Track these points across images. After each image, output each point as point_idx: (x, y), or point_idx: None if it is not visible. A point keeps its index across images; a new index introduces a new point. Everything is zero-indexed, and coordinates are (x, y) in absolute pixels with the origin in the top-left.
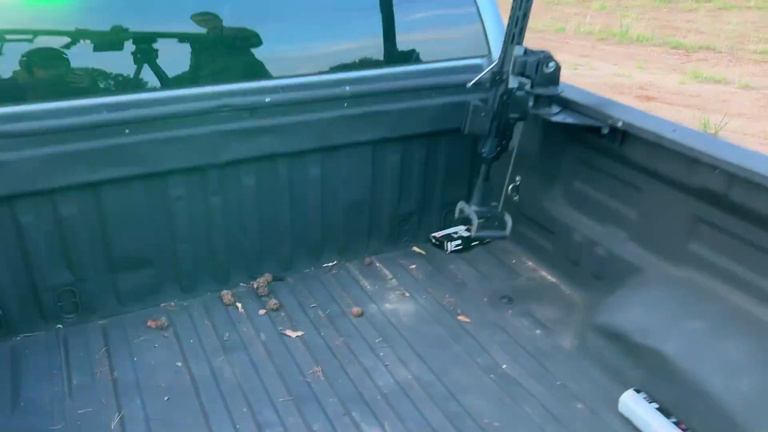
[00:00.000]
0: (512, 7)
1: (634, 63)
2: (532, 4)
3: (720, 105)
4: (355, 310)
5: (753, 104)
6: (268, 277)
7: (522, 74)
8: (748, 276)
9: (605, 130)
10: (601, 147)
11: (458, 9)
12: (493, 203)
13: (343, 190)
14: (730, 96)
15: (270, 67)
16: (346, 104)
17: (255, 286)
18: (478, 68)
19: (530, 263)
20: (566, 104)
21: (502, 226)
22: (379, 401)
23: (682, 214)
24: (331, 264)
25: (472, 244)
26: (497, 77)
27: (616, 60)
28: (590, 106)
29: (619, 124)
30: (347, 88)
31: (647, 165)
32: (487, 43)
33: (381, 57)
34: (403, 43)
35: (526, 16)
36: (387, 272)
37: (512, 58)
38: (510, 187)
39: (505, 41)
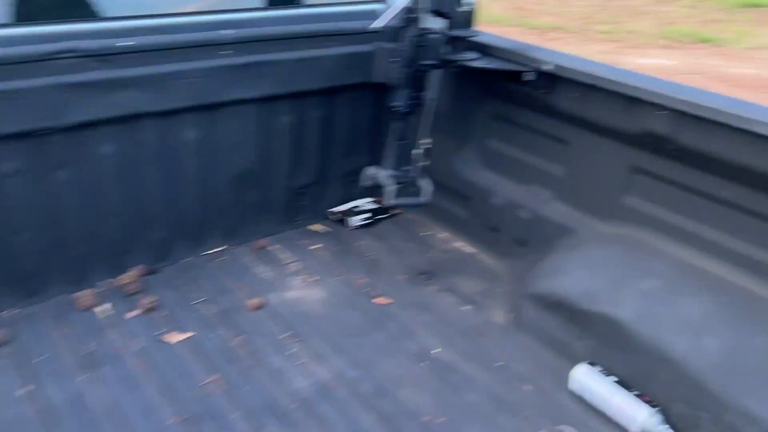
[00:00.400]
0: None
1: None
2: None
3: None
4: (253, 302)
5: None
6: (137, 270)
7: (437, 12)
8: (695, 228)
9: (530, 76)
10: (522, 97)
11: None
12: (407, 167)
13: (226, 159)
14: None
15: (127, 3)
16: (225, 52)
17: (121, 282)
18: (373, 15)
19: (444, 234)
20: (485, 49)
21: (418, 192)
22: (297, 409)
23: (617, 165)
24: (216, 250)
25: (378, 217)
26: (408, 16)
27: None
28: (513, 50)
29: (550, 67)
30: (230, 32)
31: (578, 113)
32: None
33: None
34: None
35: None
36: (285, 255)
37: None
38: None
39: None
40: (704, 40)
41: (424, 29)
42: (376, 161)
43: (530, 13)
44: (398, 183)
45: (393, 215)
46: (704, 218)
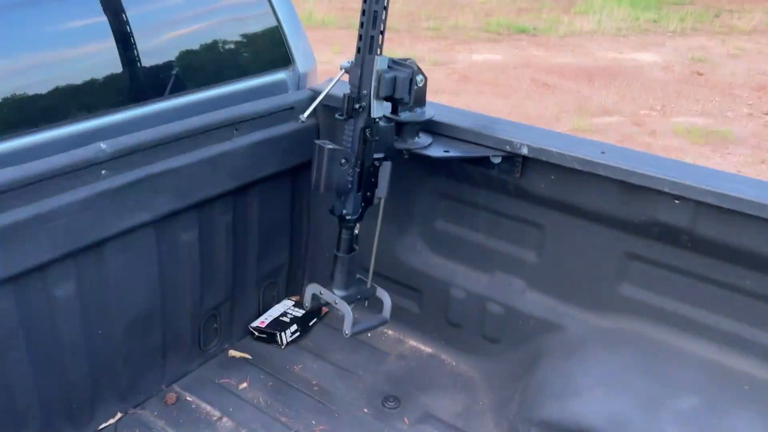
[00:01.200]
0: (364, 0)
1: (331, 48)
2: None
3: None
4: None
5: (448, 79)
6: None
7: (390, 97)
8: (719, 322)
9: (496, 160)
10: (480, 177)
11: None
12: (358, 276)
13: (117, 305)
14: (427, 73)
15: None
16: (104, 172)
17: None
18: (281, 85)
19: (393, 332)
20: (440, 129)
21: (373, 302)
22: None
23: (608, 251)
24: (111, 421)
25: (310, 323)
26: (355, 105)
27: (312, 46)
28: (475, 129)
29: (523, 150)
30: (103, 146)
31: (557, 197)
32: (287, 46)
33: (142, 87)
34: (163, 58)
35: (386, 10)
36: (206, 409)
37: (374, 75)
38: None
39: (360, 51)
40: (522, 31)
41: (374, 119)
42: (297, 255)
43: (355, 13)
44: (351, 303)
45: (324, 315)
46: (730, 311)
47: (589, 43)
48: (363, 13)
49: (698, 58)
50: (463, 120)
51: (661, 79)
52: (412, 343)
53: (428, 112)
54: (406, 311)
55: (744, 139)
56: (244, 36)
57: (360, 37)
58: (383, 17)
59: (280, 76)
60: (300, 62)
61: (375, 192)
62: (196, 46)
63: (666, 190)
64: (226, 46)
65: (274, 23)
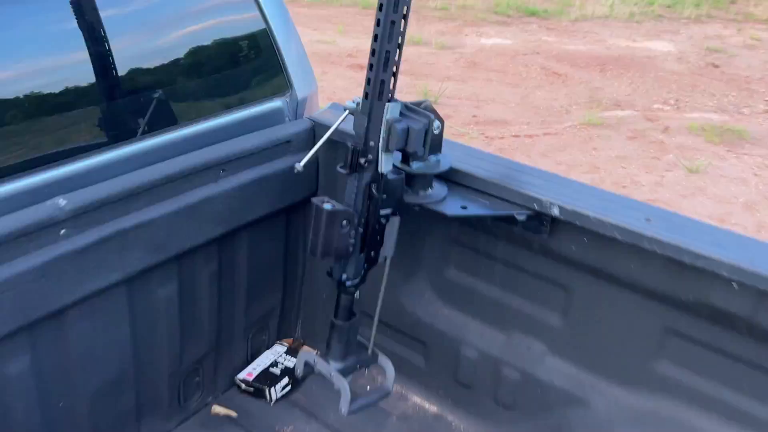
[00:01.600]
0: (375, 37)
1: (335, 27)
2: (406, 29)
3: (428, 69)
4: None
5: (455, 65)
6: None
7: (402, 150)
8: None
9: (521, 217)
10: (499, 230)
11: (224, 16)
12: (358, 351)
13: (81, 374)
14: (432, 58)
15: None
16: (63, 231)
17: None
18: (277, 115)
19: (395, 387)
20: (453, 177)
21: (374, 368)
22: None
23: (646, 324)
24: None
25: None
26: (360, 159)
27: (315, 24)
28: (498, 182)
29: (554, 211)
30: (61, 202)
31: (590, 263)
32: (284, 68)
33: (111, 127)
34: (137, 90)
35: (400, 48)
36: None
37: (384, 125)
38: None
39: (368, 98)
40: (532, 13)
41: (382, 174)
42: (290, 296)
43: None
44: (347, 375)
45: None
46: None
47: (602, 28)
48: (372, 53)
49: (714, 48)
50: (483, 168)
51: (675, 70)
52: (416, 399)
53: (444, 162)
54: (409, 363)
55: (761, 138)
56: (234, 59)
57: (368, 81)
58: (396, 57)
59: (275, 104)
60: (299, 86)
61: (380, 251)
62: (174, 74)
63: (724, 273)
64: (212, 72)
65: (268, 42)
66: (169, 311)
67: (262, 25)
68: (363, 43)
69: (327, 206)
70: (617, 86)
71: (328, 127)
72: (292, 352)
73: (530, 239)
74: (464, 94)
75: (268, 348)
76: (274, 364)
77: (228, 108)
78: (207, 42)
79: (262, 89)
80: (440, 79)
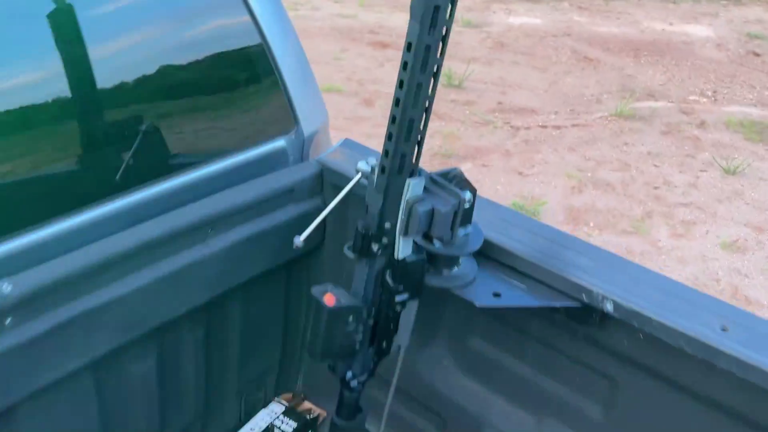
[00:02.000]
0: (397, 102)
1: (356, 0)
2: (435, 92)
3: (453, 48)
4: None
5: (481, 46)
6: None
7: (425, 234)
8: None
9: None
10: (538, 310)
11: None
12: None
13: None
14: (458, 36)
15: None
16: (9, 321)
17: None
18: (279, 156)
19: None
20: (485, 250)
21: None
22: None
23: (695, 424)
24: None
25: None
26: (373, 244)
27: None
28: (534, 260)
29: (607, 307)
30: (6, 287)
31: (642, 360)
32: (289, 101)
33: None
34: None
35: (427, 113)
36: None
37: (403, 205)
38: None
39: (385, 171)
40: None
41: (400, 260)
42: (290, 350)
43: None
44: None
45: (322, 422)
46: None
47: (636, 9)
48: (393, 120)
49: (755, 35)
50: (521, 240)
51: (713, 58)
52: None
53: (475, 239)
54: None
55: None
56: (229, 95)
57: (386, 153)
58: (420, 126)
59: (277, 144)
60: (305, 121)
61: (393, 339)
62: (152, 115)
63: None
64: (199, 111)
65: (270, 69)
66: (145, 387)
67: (259, 43)
68: (385, 18)
69: (329, 305)
70: (651, 74)
71: (338, 174)
72: (290, 412)
73: (574, 327)
74: (490, 78)
75: (264, 406)
76: (271, 428)
77: (220, 154)
78: (191, 74)
79: (262, 130)
80: (465, 60)
